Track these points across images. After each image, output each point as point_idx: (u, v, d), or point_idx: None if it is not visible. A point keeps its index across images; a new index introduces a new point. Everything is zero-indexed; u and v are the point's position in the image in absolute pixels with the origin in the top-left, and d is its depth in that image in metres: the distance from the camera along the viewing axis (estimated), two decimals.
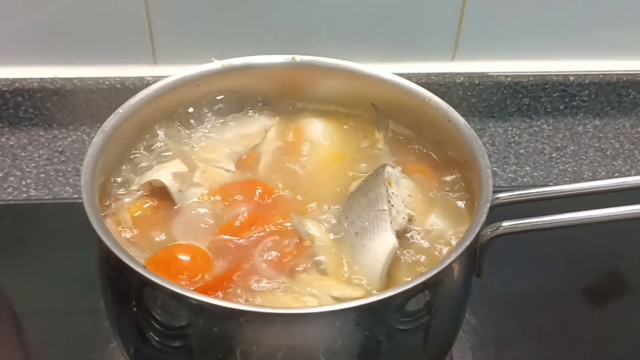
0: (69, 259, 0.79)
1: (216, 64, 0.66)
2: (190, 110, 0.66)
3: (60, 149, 0.94)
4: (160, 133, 0.64)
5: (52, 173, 0.91)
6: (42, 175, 0.91)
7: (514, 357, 0.71)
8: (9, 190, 0.88)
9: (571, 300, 0.78)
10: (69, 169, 0.92)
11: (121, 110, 0.59)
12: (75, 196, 0.88)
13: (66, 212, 0.85)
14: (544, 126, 1.03)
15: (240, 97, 0.68)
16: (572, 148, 1.00)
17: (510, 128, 1.02)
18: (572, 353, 0.73)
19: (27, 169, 0.91)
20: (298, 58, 0.67)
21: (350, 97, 0.69)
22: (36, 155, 0.93)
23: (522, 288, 0.78)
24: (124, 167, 0.62)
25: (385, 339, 0.50)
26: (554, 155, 0.99)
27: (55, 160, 0.93)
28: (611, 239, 0.83)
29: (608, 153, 1.00)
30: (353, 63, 0.67)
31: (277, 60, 0.67)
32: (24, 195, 0.88)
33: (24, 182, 0.89)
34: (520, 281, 0.79)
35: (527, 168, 0.97)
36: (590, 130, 1.03)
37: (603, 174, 0.96)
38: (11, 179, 0.90)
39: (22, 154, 0.93)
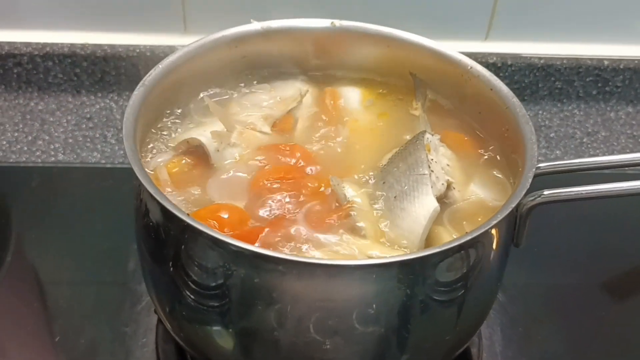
0: (96, 221, 0.79)
1: (255, 25, 0.65)
2: (228, 71, 0.65)
3: (88, 116, 0.94)
4: (199, 92, 0.63)
5: (80, 139, 0.91)
6: (70, 141, 0.91)
7: (542, 336, 0.71)
8: (37, 153, 0.88)
9: (599, 288, 0.76)
10: (97, 135, 0.92)
11: (161, 65, 0.59)
12: (103, 161, 0.88)
13: (94, 177, 0.86)
14: (575, 111, 1.02)
15: (277, 61, 0.68)
16: (603, 134, 0.99)
17: (541, 111, 1.01)
18: (599, 338, 0.72)
19: (56, 134, 0.91)
20: (337, 23, 0.66)
21: (388, 65, 0.68)
22: (64, 120, 0.93)
23: (552, 275, 0.77)
24: (162, 123, 0.61)
25: (422, 301, 0.49)
26: (584, 140, 0.98)
27: (83, 126, 0.93)
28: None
29: None
30: (394, 29, 0.66)
31: (317, 24, 0.66)
32: (52, 159, 0.88)
33: (52, 147, 0.89)
34: (550, 269, 0.78)
35: (557, 152, 0.96)
36: (623, 117, 1.02)
37: None
38: (39, 142, 0.90)
39: (51, 119, 0.93)
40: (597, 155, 0.95)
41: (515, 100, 0.59)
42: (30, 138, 0.90)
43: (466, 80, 0.63)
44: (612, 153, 0.96)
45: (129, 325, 0.68)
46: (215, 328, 0.53)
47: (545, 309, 0.73)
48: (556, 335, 0.71)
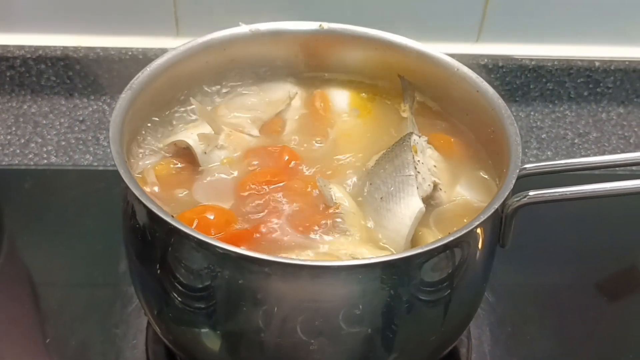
0: (88, 223, 0.79)
1: (243, 28, 0.65)
2: (216, 74, 0.66)
3: (81, 118, 0.94)
4: (187, 95, 0.63)
5: (73, 141, 0.91)
6: (63, 143, 0.91)
7: (531, 336, 0.71)
8: (30, 156, 0.89)
9: (588, 287, 0.77)
10: (89, 138, 0.92)
11: (149, 68, 0.59)
12: (96, 164, 0.88)
13: (86, 179, 0.86)
14: (567, 112, 1.02)
15: (266, 64, 0.68)
16: (594, 135, 0.99)
17: (532, 113, 1.01)
18: (587, 337, 0.72)
19: (48, 136, 0.92)
20: (326, 25, 0.67)
21: (376, 68, 0.68)
22: (57, 123, 0.94)
23: (541, 275, 0.78)
24: (149, 126, 0.61)
25: (407, 301, 0.50)
26: (576, 141, 0.98)
27: (76, 128, 0.93)
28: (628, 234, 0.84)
29: (631, 141, 0.99)
30: (382, 32, 0.66)
31: (305, 27, 0.67)
32: (45, 161, 0.88)
33: (44, 149, 0.90)
34: (539, 268, 0.78)
35: (549, 153, 0.96)
36: (614, 117, 1.02)
37: None
38: (32, 145, 0.90)
39: (44, 122, 0.94)
40: (588, 156, 0.96)
41: (500, 101, 0.59)
42: (23, 141, 0.91)
43: (453, 82, 0.63)
44: (603, 154, 0.96)
45: (119, 326, 0.68)
46: (202, 330, 0.53)
47: (534, 309, 0.74)
48: (544, 335, 0.71)
